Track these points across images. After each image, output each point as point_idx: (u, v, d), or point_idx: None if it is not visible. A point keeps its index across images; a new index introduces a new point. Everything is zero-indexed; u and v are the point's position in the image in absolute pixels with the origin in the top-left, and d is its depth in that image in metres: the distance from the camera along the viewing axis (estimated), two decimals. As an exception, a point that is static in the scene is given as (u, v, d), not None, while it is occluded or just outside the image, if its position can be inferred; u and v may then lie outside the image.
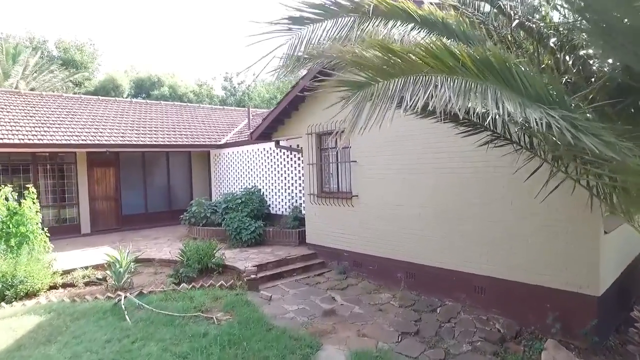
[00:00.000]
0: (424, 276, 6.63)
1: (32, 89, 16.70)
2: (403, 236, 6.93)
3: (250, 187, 11.88)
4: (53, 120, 11.45)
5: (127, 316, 5.32)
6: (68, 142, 10.29)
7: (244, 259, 8.23)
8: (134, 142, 11.41)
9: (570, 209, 4.76)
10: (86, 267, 7.72)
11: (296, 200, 10.33)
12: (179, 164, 13.97)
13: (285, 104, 8.52)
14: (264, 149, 11.38)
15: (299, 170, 10.13)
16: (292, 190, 10.47)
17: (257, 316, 5.69)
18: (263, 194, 11.45)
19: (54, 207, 11.44)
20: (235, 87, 35.39)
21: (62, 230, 11.46)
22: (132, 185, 12.85)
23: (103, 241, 10.82)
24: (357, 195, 7.69)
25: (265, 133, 9.73)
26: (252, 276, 6.94)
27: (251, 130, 9.73)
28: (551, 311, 5.00)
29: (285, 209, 10.67)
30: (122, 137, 11.55)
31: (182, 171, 14.02)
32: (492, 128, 3.97)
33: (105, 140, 11.00)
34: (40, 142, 9.87)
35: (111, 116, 13.06)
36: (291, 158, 10.45)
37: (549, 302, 5.08)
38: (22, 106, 11.89)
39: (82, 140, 10.61)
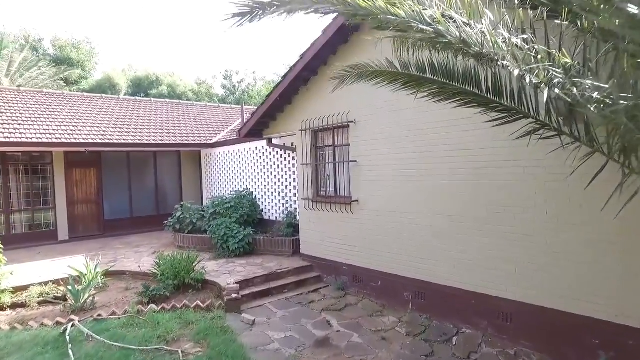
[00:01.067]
0: (436, 297, 5.60)
1: (18, 86, 15.89)
2: (411, 249, 5.90)
3: (242, 190, 10.90)
4: (27, 117, 10.56)
5: (70, 351, 4.34)
6: (40, 140, 9.39)
7: (228, 273, 7.25)
8: (115, 141, 10.49)
9: (632, 220, 3.71)
10: (46, 283, 6.76)
11: (290, 205, 9.33)
12: (167, 165, 13.04)
13: (277, 95, 7.53)
14: (256, 148, 10.41)
15: (294, 172, 9.14)
16: (287, 193, 9.47)
17: (233, 349, 4.70)
18: (256, 197, 10.47)
19: (26, 211, 10.53)
20: (235, 86, 34.56)
21: (36, 237, 10.56)
22: (116, 187, 11.93)
23: (80, 249, 9.89)
24: (357, 201, 6.67)
25: (255, 130, 8.74)
26: (234, 295, 5.94)
27: (240, 127, 8.77)
28: (602, 350, 3.95)
29: (279, 214, 9.68)
30: (102, 135, 10.63)
31: (171, 173, 13.09)
32: (533, 114, 2.94)
33: (83, 139, 10.09)
34: (7, 140, 8.96)
35: (94, 113, 12.17)
36: (285, 158, 9.46)
37: (597, 337, 4.03)
38: (4, 103, 11.02)
39: (56, 138, 9.70)
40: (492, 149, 4.85)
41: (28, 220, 10.53)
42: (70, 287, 5.82)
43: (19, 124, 9.99)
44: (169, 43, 58.84)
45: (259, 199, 10.37)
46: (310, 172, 7.61)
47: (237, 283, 6.48)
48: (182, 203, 10.24)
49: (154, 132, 11.87)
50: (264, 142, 9.73)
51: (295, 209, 9.12)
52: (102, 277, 7.05)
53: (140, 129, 11.90)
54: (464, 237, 5.25)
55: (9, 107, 10.95)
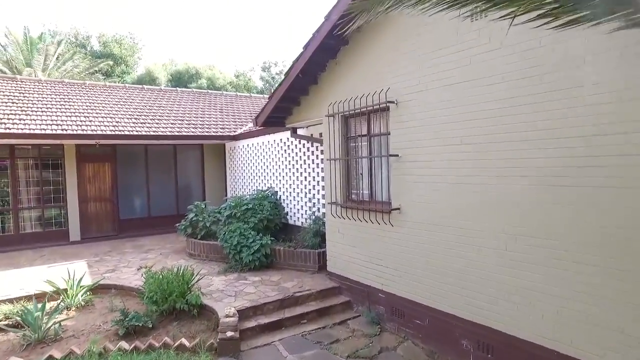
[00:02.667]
0: (510, 354, 3.85)
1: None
2: (473, 282, 4.18)
3: (265, 188, 9.56)
4: (38, 108, 9.90)
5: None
6: (43, 131, 8.60)
7: (234, 294, 5.89)
8: (127, 133, 9.54)
9: None
10: (20, 299, 5.77)
11: (318, 209, 7.82)
12: (189, 160, 12.03)
13: (297, 71, 6.02)
14: (281, 140, 8.99)
15: (322, 168, 7.61)
16: (314, 194, 7.97)
17: None
18: (280, 198, 9.07)
19: (36, 209, 9.89)
20: (273, 77, 33.63)
21: (46, 237, 9.90)
22: (132, 184, 11.07)
23: (87, 252, 9.06)
24: (398, 209, 5.02)
25: (275, 118, 7.30)
26: (229, 334, 4.55)
27: (256, 115, 7.39)
28: None
29: (305, 219, 8.21)
30: (114, 126, 9.72)
31: (193, 168, 12.07)
32: None
33: (92, 130, 9.21)
34: (7, 131, 8.22)
35: (111, 104, 11.38)
36: (312, 152, 7.95)
37: None
38: (9, 92, 10.49)
39: (62, 130, 8.88)
40: (624, 136, 3.03)
41: (38, 218, 9.89)
42: (23, 316, 4.70)
43: (27, 115, 9.31)
44: (210, 36, 59.46)
45: (284, 200, 8.96)
46: (339, 170, 6.04)
47: (240, 310, 5.10)
48: (196, 203, 9.08)
49: (172, 123, 10.85)
50: (288, 133, 8.29)
51: (324, 213, 7.60)
52: (87, 293, 5.96)
53: (158, 120, 10.93)
54: (555, 272, 3.46)
55: (23, 97, 10.39)
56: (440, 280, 4.56)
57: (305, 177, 8.17)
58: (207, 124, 11.43)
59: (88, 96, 11.57)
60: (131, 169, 11.05)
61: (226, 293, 5.97)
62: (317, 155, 7.77)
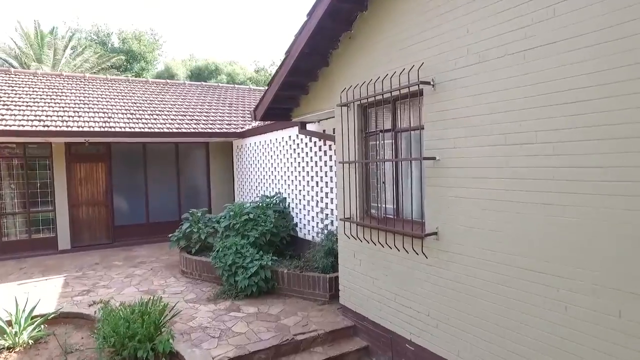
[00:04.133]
0: None
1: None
2: (549, 344, 2.71)
3: (272, 194, 8.28)
4: (24, 102, 9.00)
5: None
6: (19, 128, 7.62)
7: (219, 334, 4.63)
8: (116, 129, 8.47)
9: None
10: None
11: (331, 222, 6.46)
12: (193, 159, 10.92)
13: (302, 45, 4.66)
14: (289, 137, 7.68)
15: (335, 172, 6.23)
16: (326, 204, 6.62)
17: None
18: (289, 206, 7.77)
19: (22, 214, 8.99)
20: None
21: (33, 246, 9.00)
22: (129, 187, 10.05)
23: (73, 264, 8.07)
24: (435, 234, 3.59)
25: (278, 110, 5.99)
26: (192, 410, 3.25)
27: (255, 107, 6.07)
28: None
29: (317, 232, 6.87)
30: (104, 122, 8.69)
31: (197, 169, 10.95)
32: None
33: (78, 127, 8.19)
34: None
35: (108, 98, 10.41)
36: (325, 152, 6.59)
37: None
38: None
39: (45, 126, 7.89)
40: None
41: (24, 225, 8.99)
42: None
43: (8, 109, 8.39)
44: (231, 32, 59.00)
45: (293, 208, 7.65)
46: (355, 176, 4.65)
47: (214, 370, 3.81)
48: (191, 211, 7.90)
49: (172, 119, 9.75)
50: (297, 130, 6.97)
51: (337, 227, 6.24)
52: (40, 327, 4.84)
53: (156, 115, 9.86)
54: None
55: (11, 90, 9.55)
56: (499, 344, 3.11)
57: (317, 183, 6.82)
58: (212, 120, 10.26)
59: (84, 90, 10.64)
60: (128, 170, 10.03)
61: (209, 332, 4.71)
62: (331, 156, 6.40)
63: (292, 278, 5.91)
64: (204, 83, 14.28)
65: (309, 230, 7.16)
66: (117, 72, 22.62)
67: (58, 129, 7.98)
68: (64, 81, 11.06)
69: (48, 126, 7.96)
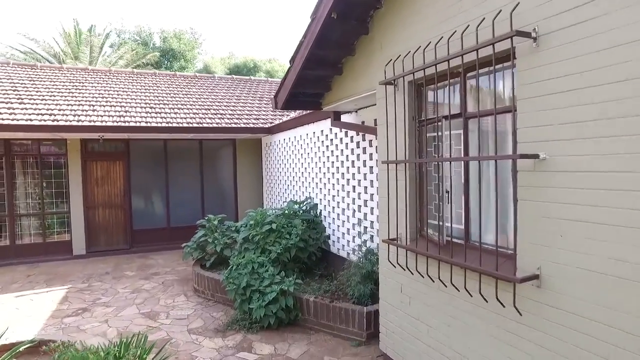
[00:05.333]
0: None
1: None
2: None
3: (301, 199, 7.15)
4: (40, 95, 8.46)
5: None
6: (28, 122, 6.99)
7: (217, 393, 3.51)
8: (132, 124, 7.68)
9: None
10: None
11: (371, 237, 5.18)
12: (218, 158, 10.02)
13: (328, 7, 3.43)
14: (321, 131, 6.49)
15: (377, 175, 4.95)
16: (365, 214, 5.35)
17: None
18: (320, 213, 6.59)
19: (36, 216, 8.44)
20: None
21: (47, 250, 8.44)
22: (149, 188, 9.30)
23: (82, 273, 7.38)
24: (536, 277, 2.24)
25: (305, 96, 4.82)
26: None
27: (275, 93, 4.89)
28: None
29: (353, 248, 5.62)
30: (119, 117, 7.94)
31: (223, 169, 10.04)
32: None
33: (90, 121, 7.47)
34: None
35: (129, 92, 9.74)
36: (364, 149, 5.32)
37: None
38: (18, 80, 9.26)
39: (53, 121, 7.23)
40: None
41: (38, 227, 8.45)
42: None
43: (21, 103, 7.84)
44: (269, 30, 58.85)
45: (325, 217, 6.46)
46: (405, 182, 3.36)
47: None
48: (208, 217, 6.92)
49: (194, 113, 8.87)
50: (329, 122, 5.77)
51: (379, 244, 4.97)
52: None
53: (178, 109, 9.03)
54: None
55: (31, 84, 9.08)
56: None
57: (354, 187, 5.57)
58: (238, 115, 9.30)
59: (106, 84, 10.06)
60: (147, 170, 9.29)
61: (206, 385, 3.61)
62: (371, 155, 5.13)
63: (320, 308, 4.71)
64: (234, 76, 13.45)
65: (343, 245, 5.93)
66: (153, 70, 22.49)
67: (68, 123, 7.29)
68: (88, 75, 10.56)
69: (58, 120, 7.30)
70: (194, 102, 9.75)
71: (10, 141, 8.17)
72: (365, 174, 5.26)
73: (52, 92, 8.83)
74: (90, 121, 7.51)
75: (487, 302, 2.56)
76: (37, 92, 8.67)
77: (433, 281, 3.05)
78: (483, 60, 2.56)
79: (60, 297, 6.07)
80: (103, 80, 10.27)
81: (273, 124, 8.69)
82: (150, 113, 8.47)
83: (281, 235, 5.74)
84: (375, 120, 4.74)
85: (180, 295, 6.10)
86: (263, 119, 9.28)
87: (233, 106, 9.91)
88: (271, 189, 9.14)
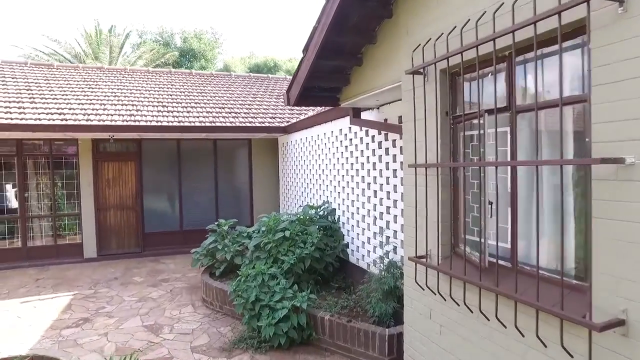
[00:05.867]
0: None
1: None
2: None
3: (318, 204, 6.67)
4: (53, 94, 8.29)
5: None
6: (36, 122, 6.77)
7: None
8: (143, 123, 7.38)
9: None
10: None
11: (394, 249, 4.64)
12: (233, 159, 9.66)
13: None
14: (340, 130, 5.98)
15: (401, 179, 4.42)
16: (387, 222, 4.81)
17: None
18: (338, 220, 6.09)
19: (47, 218, 8.26)
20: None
21: (58, 252, 8.26)
22: (161, 190, 9.02)
23: (91, 277, 7.13)
24: (621, 323, 1.67)
25: (320, 90, 4.33)
26: None
27: (287, 87, 4.41)
28: None
29: (373, 260, 5.09)
30: (130, 116, 7.66)
31: (238, 171, 9.68)
32: None
33: (98, 121, 7.22)
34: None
35: (142, 90, 9.51)
36: (386, 149, 4.78)
37: None
38: (34, 79, 9.16)
39: (62, 120, 7.00)
40: None
41: (50, 229, 8.27)
42: None
43: (32, 102, 7.66)
44: (290, 29, 58.60)
45: (344, 223, 5.95)
46: (438, 190, 2.81)
47: None
48: (219, 221, 6.53)
49: (207, 112, 8.53)
50: (348, 120, 5.27)
51: (403, 258, 4.44)
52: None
53: (191, 107, 8.71)
54: None
55: (46, 83, 8.96)
56: None
57: (375, 192, 5.04)
58: (253, 113, 8.90)
59: (120, 82, 9.87)
60: (160, 171, 9.01)
61: (205, 419, 3.17)
62: (395, 156, 4.59)
63: (336, 328, 4.21)
64: (252, 74, 13.11)
65: (363, 255, 5.41)
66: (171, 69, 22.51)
67: (77, 122, 7.04)
68: (103, 74, 10.39)
69: (67, 120, 7.06)
70: (208, 100, 9.42)
71: (23, 141, 8.02)
72: (387, 178, 4.73)
73: (65, 91, 8.65)
74: (100, 120, 7.25)
75: (545, 347, 2.01)
76: (50, 91, 8.51)
77: (471, 311, 2.51)
78: (541, 39, 2.01)
79: (64, 305, 5.79)
80: (117, 79, 10.07)
81: (289, 123, 8.24)
82: (162, 112, 8.17)
83: (295, 244, 5.28)
84: (400, 117, 4.21)
85: (187, 306, 5.71)
86: (280, 118, 8.85)
87: (249, 104, 9.53)
88: (287, 191, 8.70)
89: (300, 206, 7.75)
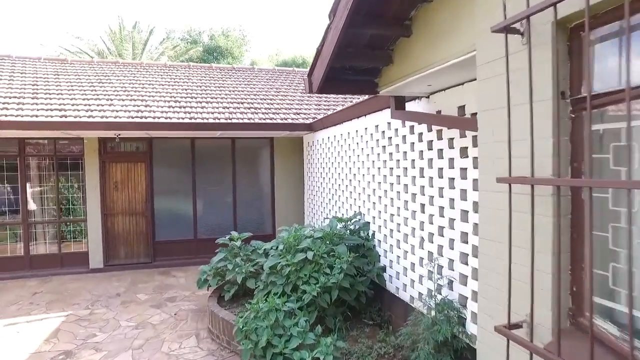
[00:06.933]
0: None
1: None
2: None
3: (347, 216, 5.64)
4: (57, 90, 7.67)
5: None
6: (33, 119, 6.09)
7: None
8: (150, 120, 6.58)
9: None
10: None
11: (449, 284, 3.50)
12: (253, 161, 8.76)
13: None
14: (376, 127, 4.91)
15: (462, 192, 3.30)
16: (440, 247, 3.68)
17: None
18: (373, 236, 5.02)
19: (52, 224, 7.63)
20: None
21: (62, 262, 7.63)
22: (174, 194, 8.24)
23: (91, 293, 6.41)
24: None
25: (352, 73, 3.28)
26: None
27: (309, 69, 3.38)
28: None
29: (419, 292, 3.99)
30: (137, 112, 6.88)
31: (259, 172, 8.77)
32: None
33: (101, 117, 6.47)
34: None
35: (157, 84, 8.79)
36: (439, 151, 3.65)
37: None
38: (43, 74, 8.61)
39: (61, 117, 6.29)
40: None
41: (54, 236, 7.63)
42: None
43: (34, 97, 7.03)
44: (317, 27, 57.60)
45: (380, 241, 4.88)
46: (557, 220, 1.70)
47: None
48: (231, 234, 5.60)
49: (224, 108, 7.67)
50: (388, 114, 4.21)
51: (463, 297, 3.33)
52: None
53: (206, 103, 7.87)
54: None
55: (55, 78, 8.38)
56: None
57: (422, 206, 3.94)
58: (275, 109, 7.96)
59: (134, 77, 9.20)
60: (173, 173, 8.23)
61: None
62: (452, 160, 3.47)
63: (371, 392, 3.15)
64: (276, 68, 12.21)
65: (404, 285, 4.31)
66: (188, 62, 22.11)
67: (76, 119, 6.31)
68: (117, 68, 9.77)
69: (67, 117, 6.35)
70: (226, 95, 8.56)
71: (25, 140, 7.41)
72: (441, 189, 3.62)
73: (73, 86, 8.02)
74: (103, 117, 6.49)
75: None
76: (56, 86, 7.89)
77: None
78: None
79: (51, 331, 5.02)
80: (131, 74, 9.40)
81: (315, 120, 7.24)
82: (173, 107, 7.36)
83: (320, 269, 4.26)
84: (462, 107, 3.12)
85: (190, 337, 4.81)
86: (305, 114, 7.86)
87: (271, 99, 8.60)
88: (313, 197, 7.70)
89: (327, 216, 6.74)
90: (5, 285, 6.97)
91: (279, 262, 4.48)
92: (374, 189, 4.99)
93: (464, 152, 3.28)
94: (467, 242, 3.26)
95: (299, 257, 4.35)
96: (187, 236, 8.20)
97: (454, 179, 3.41)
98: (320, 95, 9.15)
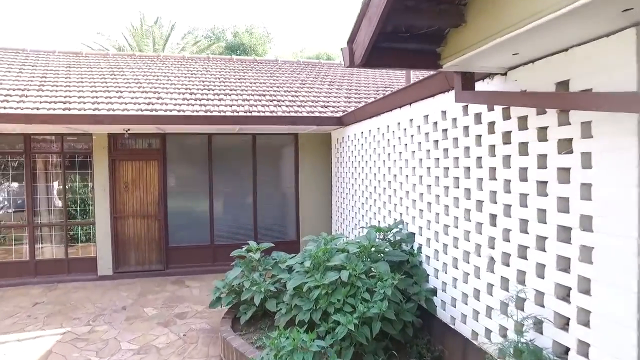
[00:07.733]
0: None
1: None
2: None
3: (387, 225, 4.79)
4: (66, 82, 7.14)
5: None
6: (35, 111, 5.51)
7: None
8: (161, 113, 5.90)
9: None
10: None
11: (537, 323, 2.59)
12: (276, 159, 8.00)
13: None
14: (425, 117, 4.03)
15: (567, 201, 2.38)
16: (522, 273, 2.77)
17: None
18: (419, 250, 4.14)
19: (58, 226, 7.08)
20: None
21: (70, 268, 7.08)
22: (189, 195, 7.57)
23: (95, 306, 5.81)
24: None
25: (407, 41, 2.41)
26: None
27: (350, 35, 2.58)
28: None
29: (487, 328, 3.09)
30: (148, 104, 6.23)
31: (282, 172, 8.01)
32: None
33: (107, 110, 5.84)
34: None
35: (172, 76, 8.18)
36: (519, 144, 2.75)
37: None
38: (54, 66, 8.14)
39: (63, 110, 5.69)
40: None
41: (61, 240, 7.09)
42: None
43: (39, 90, 6.50)
44: (343, 25, 56.68)
45: (428, 257, 3.99)
46: None
47: None
48: (248, 244, 4.83)
49: (243, 100, 6.95)
50: (449, 98, 3.34)
51: (556, 343, 2.40)
52: None
53: (224, 95, 7.17)
54: None
55: (66, 71, 7.88)
56: None
57: (494, 217, 3.04)
58: (300, 102, 7.17)
59: (149, 69, 8.64)
60: (188, 172, 7.57)
61: None
62: (545, 157, 2.56)
63: None
64: (300, 60, 11.45)
65: (464, 315, 3.41)
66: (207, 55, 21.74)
67: (82, 112, 5.72)
68: (133, 61, 9.23)
69: (69, 109, 5.74)
70: (246, 87, 7.85)
71: (31, 136, 6.89)
72: (524, 196, 2.72)
73: (83, 79, 7.48)
74: (108, 110, 5.87)
75: None
76: (66, 79, 7.38)
77: None
78: None
79: (42, 354, 4.39)
80: (146, 66, 8.85)
81: (346, 112, 6.40)
82: (188, 99, 6.69)
83: (356, 293, 3.43)
84: (562, 84, 2.23)
85: (200, 367, 4.07)
86: (333, 107, 7.04)
87: (295, 92, 7.83)
88: (342, 201, 6.87)
89: (358, 223, 5.90)
90: (7, 292, 6.46)
91: (306, 282, 3.67)
92: (421, 193, 4.11)
93: (563, 145, 2.38)
94: (567, 271, 2.36)
95: (331, 278, 3.53)
96: (202, 242, 7.51)
97: (546, 182, 2.51)
98: (352, 89, 8.31)
